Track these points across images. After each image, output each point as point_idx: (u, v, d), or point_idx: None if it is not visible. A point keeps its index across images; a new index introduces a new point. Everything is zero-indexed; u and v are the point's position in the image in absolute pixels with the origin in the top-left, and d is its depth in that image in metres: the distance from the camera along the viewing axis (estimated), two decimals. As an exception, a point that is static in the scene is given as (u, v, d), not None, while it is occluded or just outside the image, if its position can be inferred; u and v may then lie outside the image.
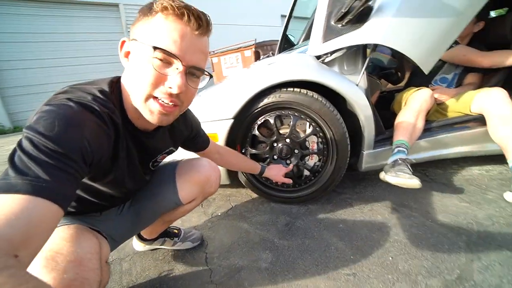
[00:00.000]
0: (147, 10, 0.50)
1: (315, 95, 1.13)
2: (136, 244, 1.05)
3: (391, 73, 1.68)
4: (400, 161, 1.10)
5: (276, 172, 1.17)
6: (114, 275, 0.96)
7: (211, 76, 0.57)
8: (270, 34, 9.39)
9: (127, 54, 0.54)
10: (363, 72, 1.22)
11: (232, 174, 1.30)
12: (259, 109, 1.16)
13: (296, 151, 1.21)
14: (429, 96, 1.28)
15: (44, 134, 0.40)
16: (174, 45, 0.48)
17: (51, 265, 0.47)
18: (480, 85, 1.46)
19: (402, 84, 1.87)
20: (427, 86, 1.49)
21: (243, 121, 1.18)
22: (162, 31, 0.48)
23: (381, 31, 1.07)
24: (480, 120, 1.26)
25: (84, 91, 0.50)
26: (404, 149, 1.15)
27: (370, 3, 1.07)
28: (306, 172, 1.25)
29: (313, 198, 1.27)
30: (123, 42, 0.54)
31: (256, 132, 1.20)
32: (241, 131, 1.21)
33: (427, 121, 1.34)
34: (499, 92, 1.19)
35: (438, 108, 1.46)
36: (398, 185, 1.07)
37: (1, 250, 0.31)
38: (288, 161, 1.24)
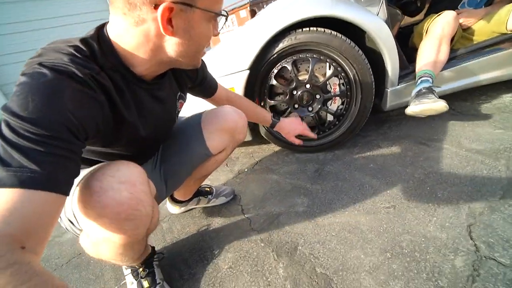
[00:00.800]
0: None
1: (333, 32, 1.04)
2: (171, 207, 1.07)
3: (409, 2, 1.53)
4: (424, 90, 1.04)
5: (288, 130, 1.11)
6: (156, 234, 0.99)
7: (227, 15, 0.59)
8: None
9: (170, 21, 0.45)
10: (382, 1, 1.11)
11: (255, 130, 1.27)
12: (275, 55, 1.08)
13: (317, 96, 1.16)
14: (452, 18, 1.17)
15: (19, 115, 0.35)
16: (221, 3, 0.52)
17: (106, 184, 0.47)
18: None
19: (421, 16, 1.72)
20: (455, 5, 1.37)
21: (259, 71, 1.11)
22: None
23: None
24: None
25: (59, 51, 0.43)
26: (428, 78, 1.08)
27: None
28: (330, 117, 1.21)
29: (338, 143, 1.24)
30: (170, 8, 0.43)
31: (274, 82, 1.14)
32: (258, 82, 1.15)
33: (453, 49, 1.24)
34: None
35: (464, 34, 1.34)
36: (423, 112, 1.03)
37: (3, 246, 0.31)
38: (310, 108, 1.19)
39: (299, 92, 1.15)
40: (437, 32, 1.16)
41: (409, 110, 1.07)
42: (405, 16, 1.75)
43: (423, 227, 0.75)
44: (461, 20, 1.29)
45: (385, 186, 0.95)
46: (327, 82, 1.14)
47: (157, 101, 0.62)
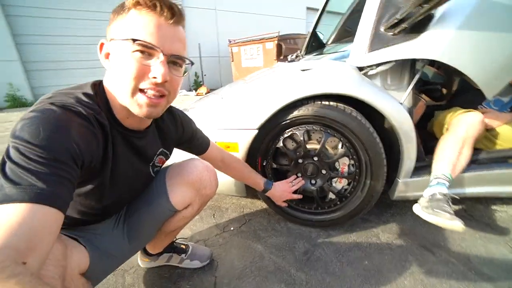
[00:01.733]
0: (120, 9, 0.51)
1: (354, 112, 0.99)
2: (140, 259, 0.97)
3: (435, 89, 1.50)
4: (439, 196, 0.96)
5: (280, 197, 1.08)
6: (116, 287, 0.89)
7: (192, 63, 0.58)
8: (293, 27, 9.13)
9: (107, 55, 0.54)
10: (410, 90, 1.07)
11: (250, 187, 1.19)
12: (288, 121, 1.03)
13: (323, 171, 1.08)
14: (478, 122, 1.11)
15: (30, 141, 0.40)
16: (152, 36, 0.49)
17: None
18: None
19: (444, 101, 1.68)
20: (476, 108, 1.31)
21: (268, 133, 1.06)
22: (138, 24, 0.49)
23: (441, 45, 0.92)
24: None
25: (67, 95, 0.50)
26: (445, 182, 1.00)
27: (432, 11, 0.91)
28: (332, 195, 1.12)
29: (336, 224, 1.14)
30: (102, 44, 0.54)
31: (281, 145, 1.08)
32: (265, 143, 1.09)
33: (476, 149, 1.18)
34: None
35: (488, 134, 1.28)
36: (436, 224, 0.93)
37: (8, 258, 0.33)
38: (313, 181, 1.11)
39: (305, 162, 1.08)
40: (460, 133, 1.10)
41: (419, 212, 0.98)
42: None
43: None
44: (486, 120, 1.24)
45: (378, 298, 0.83)
46: (337, 160, 1.07)
47: (133, 150, 0.63)
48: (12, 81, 5.39)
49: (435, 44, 0.92)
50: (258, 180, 1.03)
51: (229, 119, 1.08)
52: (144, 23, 0.49)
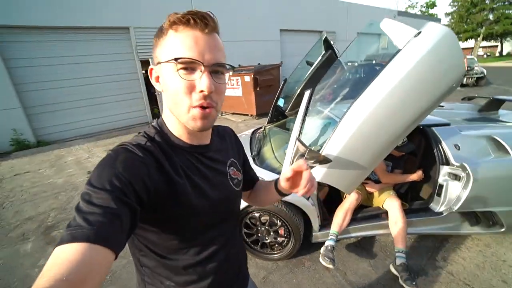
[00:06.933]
0: (160, 33, 0.53)
1: (283, 207, 1.90)
2: None
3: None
4: (329, 247, 1.90)
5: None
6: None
7: (233, 68, 0.59)
8: (269, 48, 10.16)
9: (158, 79, 0.56)
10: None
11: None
12: (249, 211, 1.94)
13: (272, 233, 2.01)
14: (355, 199, 2.07)
15: (87, 183, 0.46)
16: (191, 51, 0.50)
17: None
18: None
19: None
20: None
21: (239, 216, 1.96)
22: (177, 43, 0.51)
23: (322, 173, 1.85)
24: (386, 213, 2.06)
25: (131, 139, 0.57)
26: (334, 237, 1.95)
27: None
28: (277, 245, 2.06)
29: (280, 259, 2.08)
30: (151, 69, 0.57)
31: (247, 221, 1.99)
32: (238, 222, 2.00)
33: (356, 211, 2.14)
34: (395, 202, 1.99)
35: (368, 196, 2.26)
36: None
37: None
38: (266, 238, 2.04)
39: (262, 229, 2.01)
40: (345, 206, 2.05)
41: (320, 258, 1.90)
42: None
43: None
44: (367, 188, 2.22)
45: (296, 299, 1.76)
46: (277, 227, 2.00)
47: (203, 164, 0.64)
48: (15, 127, 5.96)
49: (319, 173, 1.85)
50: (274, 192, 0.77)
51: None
52: (182, 40, 0.51)
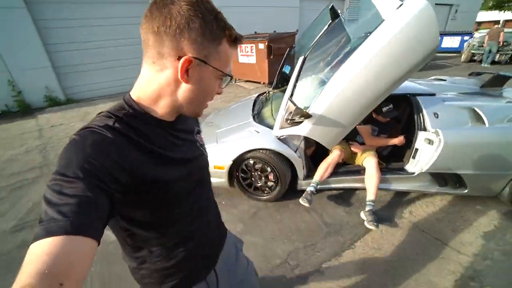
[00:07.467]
0: (210, 33, 0.52)
1: (273, 155, 2.27)
2: None
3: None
4: (309, 192, 2.28)
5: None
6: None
7: (231, 78, 0.63)
8: (287, 16, 9.92)
9: (188, 71, 0.54)
10: (302, 142, 2.33)
11: (231, 181, 2.51)
12: (245, 158, 2.32)
13: (263, 178, 2.41)
14: (337, 155, 2.39)
15: (54, 171, 0.44)
16: (229, 67, 0.60)
17: None
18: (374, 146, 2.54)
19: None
20: (353, 138, 2.58)
21: (236, 162, 2.36)
22: (228, 58, 0.58)
23: (306, 129, 2.15)
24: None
25: (94, 121, 0.55)
26: (314, 185, 2.31)
27: (309, 113, 2.13)
28: (267, 188, 2.46)
29: (269, 200, 2.50)
30: (189, 60, 0.52)
31: (244, 167, 2.39)
32: (236, 166, 2.39)
33: (339, 167, 2.46)
34: (373, 160, 2.29)
35: (353, 155, 2.57)
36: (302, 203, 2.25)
37: (48, 284, 0.34)
38: (258, 181, 2.44)
39: (255, 174, 2.40)
40: (328, 160, 2.38)
41: (301, 200, 2.28)
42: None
43: None
44: (352, 148, 2.52)
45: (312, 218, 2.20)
46: (268, 173, 2.38)
47: (177, 138, 0.66)
48: (48, 85, 6.55)
49: (305, 128, 2.16)
50: None
51: (220, 156, 2.36)
52: (229, 57, 0.58)
